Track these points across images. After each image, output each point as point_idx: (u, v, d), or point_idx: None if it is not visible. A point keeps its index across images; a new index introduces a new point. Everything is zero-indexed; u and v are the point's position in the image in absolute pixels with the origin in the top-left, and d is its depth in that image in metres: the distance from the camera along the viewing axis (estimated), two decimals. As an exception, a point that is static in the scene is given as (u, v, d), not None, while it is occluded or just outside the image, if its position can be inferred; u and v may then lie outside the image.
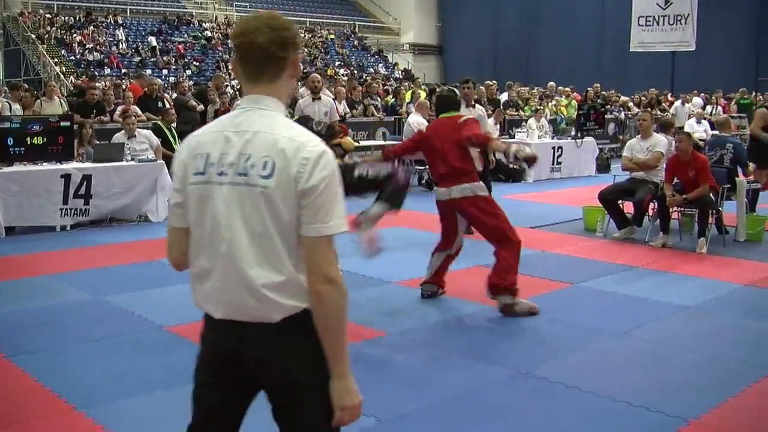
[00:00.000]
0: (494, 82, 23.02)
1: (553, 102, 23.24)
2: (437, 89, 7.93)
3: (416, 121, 15.82)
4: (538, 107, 20.61)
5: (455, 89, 8.30)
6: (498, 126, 18.85)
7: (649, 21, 32.44)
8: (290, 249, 2.70)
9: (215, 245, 2.74)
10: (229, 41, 40.37)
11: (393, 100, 21.05)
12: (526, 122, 19.45)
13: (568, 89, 24.29)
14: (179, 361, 6.14)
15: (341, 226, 2.69)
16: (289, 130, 2.73)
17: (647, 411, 5.30)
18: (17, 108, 15.01)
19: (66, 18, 37.46)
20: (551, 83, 24.23)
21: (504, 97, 22.17)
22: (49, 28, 35.72)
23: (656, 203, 10.97)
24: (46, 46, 34.17)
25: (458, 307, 7.73)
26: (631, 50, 33.61)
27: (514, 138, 18.47)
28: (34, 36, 34.50)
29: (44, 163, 11.83)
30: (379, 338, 6.76)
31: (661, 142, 11.29)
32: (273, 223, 2.67)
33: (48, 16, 36.97)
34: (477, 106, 11.78)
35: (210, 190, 2.74)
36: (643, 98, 26.20)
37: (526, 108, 21.80)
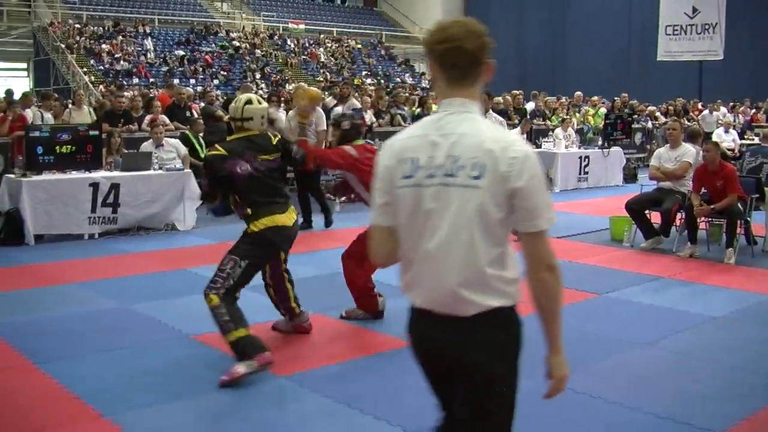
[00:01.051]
0: (520, 91, 22.97)
1: (581, 111, 23.16)
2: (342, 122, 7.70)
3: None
4: (565, 117, 20.55)
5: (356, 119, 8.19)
6: (525, 136, 18.82)
7: (677, 30, 32.28)
8: (490, 247, 2.87)
9: (423, 242, 2.91)
10: (257, 51, 40.56)
11: (419, 109, 21.02)
12: (552, 132, 19.40)
13: (595, 98, 24.18)
14: (205, 369, 6.18)
15: (554, 218, 2.90)
16: (494, 132, 2.90)
17: (674, 423, 5.27)
18: (49, 117, 15.11)
19: (95, 28, 37.74)
20: (578, 93, 24.13)
21: (530, 106, 22.12)
22: (78, 38, 36.00)
23: (683, 213, 10.92)
24: (75, 55, 34.43)
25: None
26: (658, 59, 33.44)
27: (540, 147, 18.44)
28: (63, 46, 34.78)
29: (73, 172, 11.90)
30: (404, 348, 6.72)
31: (689, 151, 11.21)
32: (480, 220, 2.84)
33: (77, 26, 37.26)
34: (492, 115, 11.74)
35: (420, 192, 2.89)
36: (670, 107, 26.06)
37: (552, 118, 21.74)
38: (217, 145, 6.62)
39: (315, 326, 7.38)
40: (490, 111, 11.88)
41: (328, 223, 12.61)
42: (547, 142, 18.79)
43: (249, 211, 6.51)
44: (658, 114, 25.33)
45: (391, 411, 5.39)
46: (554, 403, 5.58)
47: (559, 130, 19.01)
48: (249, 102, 6.67)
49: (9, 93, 16.37)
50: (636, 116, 23.40)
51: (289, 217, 6.63)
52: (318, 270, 9.57)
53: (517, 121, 20.19)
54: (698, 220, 10.73)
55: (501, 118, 11.97)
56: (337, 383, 5.92)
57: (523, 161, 2.81)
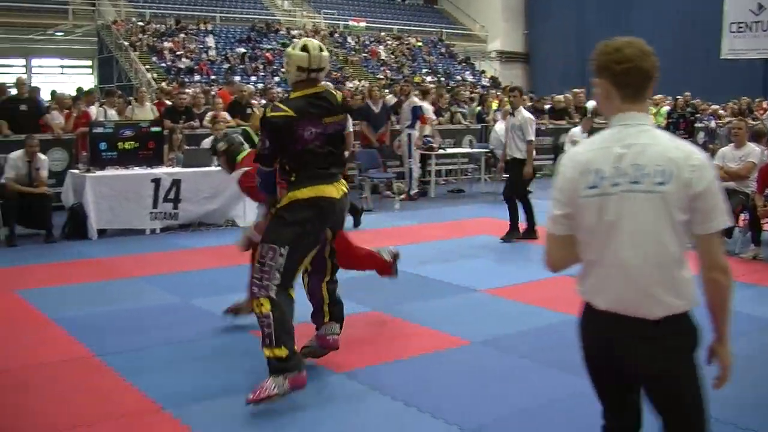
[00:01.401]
0: (582, 89, 22.80)
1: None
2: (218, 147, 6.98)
3: (502, 128, 15.76)
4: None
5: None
6: (586, 134, 18.67)
7: (742, 27, 31.83)
8: (675, 249, 3.06)
9: (609, 246, 3.09)
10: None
11: (479, 108, 20.96)
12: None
13: (657, 97, 23.88)
14: (265, 364, 6.20)
15: (727, 220, 3.09)
16: (673, 142, 3.10)
17: (736, 428, 5.19)
18: (113, 114, 15.25)
19: (157, 26, 38.08)
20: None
21: (592, 104, 21.93)
22: (141, 36, 36.34)
23: (747, 214, 10.75)
24: (138, 53, 34.77)
25: (544, 316, 7.64)
26: (722, 57, 32.94)
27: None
28: (126, 44, 35.13)
29: (135, 168, 12.05)
30: (464, 347, 6.73)
31: (754, 151, 11.01)
32: (666, 223, 3.03)
33: (140, 24, 37.62)
34: (522, 112, 11.64)
35: (606, 201, 3.07)
36: (734, 106, 25.65)
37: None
38: (280, 104, 5.73)
39: (373, 323, 7.40)
40: (520, 107, 11.77)
41: (356, 223, 12.50)
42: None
43: (293, 177, 5.66)
44: (721, 112, 24.94)
45: (448, 409, 5.38)
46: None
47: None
48: (321, 49, 5.79)
49: (80, 91, 16.65)
50: (698, 115, 23.11)
51: (338, 189, 5.78)
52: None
53: (577, 119, 20.07)
54: (762, 221, 10.57)
55: (530, 115, 11.84)
56: (395, 380, 5.92)
57: (702, 168, 3.02)
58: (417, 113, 16.09)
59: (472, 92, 27.53)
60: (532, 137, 11.64)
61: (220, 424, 5.20)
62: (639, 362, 3.15)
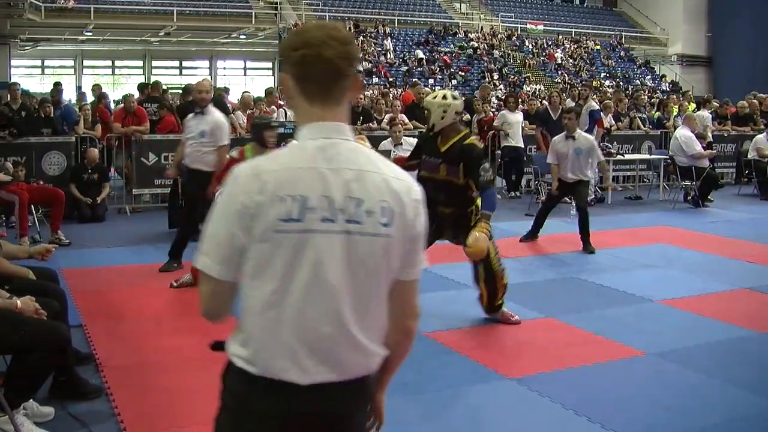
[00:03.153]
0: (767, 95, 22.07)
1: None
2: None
3: (683, 134, 15.43)
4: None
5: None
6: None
7: None
8: (386, 298, 2.49)
9: (309, 302, 2.36)
10: (495, 51, 40.69)
11: (659, 113, 20.52)
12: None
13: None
14: (436, 367, 6.27)
15: (425, 260, 2.59)
16: (389, 168, 2.48)
17: None
18: (292, 115, 15.66)
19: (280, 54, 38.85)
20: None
21: (778, 110, 21.15)
22: (322, 39, 37.11)
23: None
24: (318, 55, 35.50)
25: (723, 330, 7.43)
26: None
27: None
28: (307, 46, 35.95)
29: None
30: (638, 357, 6.62)
31: None
32: (385, 273, 2.44)
33: (321, 27, 38.41)
34: (578, 135, 11.32)
35: (309, 240, 2.35)
36: None
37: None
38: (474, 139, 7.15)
39: (545, 330, 7.37)
40: (578, 130, 11.54)
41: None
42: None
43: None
44: None
45: (619, 420, 5.31)
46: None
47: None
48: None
49: (267, 90, 17.29)
50: None
51: None
52: (552, 273, 9.53)
53: (762, 126, 19.42)
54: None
55: (592, 137, 11.69)
56: (566, 389, 5.87)
57: (422, 204, 2.50)
58: (595, 117, 15.89)
59: (651, 97, 27.01)
60: (602, 158, 11.71)
61: (390, 421, 5.26)
62: (344, 424, 2.50)
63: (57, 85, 16.67)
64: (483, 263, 7.26)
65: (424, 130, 14.50)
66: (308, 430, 2.44)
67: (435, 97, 7.31)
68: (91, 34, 38.76)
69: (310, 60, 2.38)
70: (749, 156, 17.89)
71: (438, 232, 7.03)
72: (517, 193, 16.84)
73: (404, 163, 7.46)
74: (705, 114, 19.40)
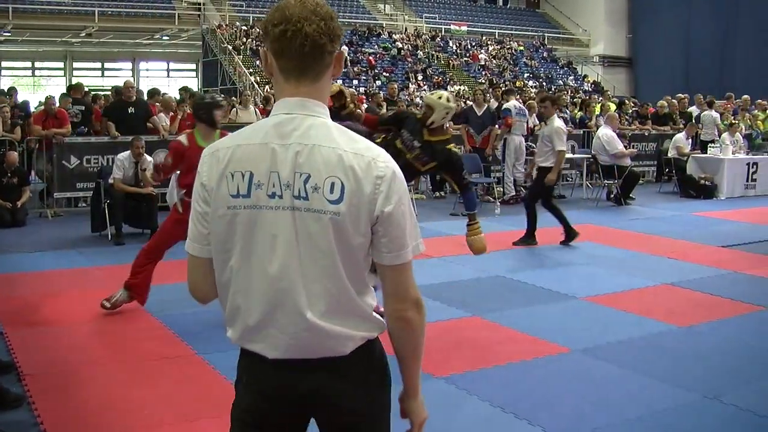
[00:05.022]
0: (686, 95, 22.47)
1: (748, 116, 22.37)
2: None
3: (606, 134, 15.65)
4: (733, 121, 19.92)
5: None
6: (690, 141, 18.39)
7: None
8: (353, 278, 2.43)
9: (267, 278, 2.39)
10: (419, 52, 40.83)
11: (581, 113, 20.78)
12: (719, 137, 18.83)
13: (765, 102, 23.29)
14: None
15: (421, 245, 2.49)
16: (353, 143, 2.38)
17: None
18: (216, 116, 15.57)
19: (261, 30, 38.64)
20: (746, 96, 23.25)
21: (696, 110, 21.54)
22: (244, 40, 36.93)
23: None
24: (241, 56, 35.33)
25: (644, 325, 7.55)
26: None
27: (706, 153, 17.98)
28: (230, 47, 35.75)
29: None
30: (562, 354, 6.69)
31: None
32: (340, 252, 2.37)
33: (244, 28, 38.25)
34: (555, 121, 11.56)
35: (258, 216, 2.37)
36: None
37: (720, 122, 21.15)
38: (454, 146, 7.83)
39: (472, 328, 7.40)
40: (553, 117, 11.72)
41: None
42: (713, 147, 18.23)
43: None
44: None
45: (546, 417, 5.36)
46: (714, 419, 5.46)
47: (726, 135, 18.41)
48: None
49: (183, 92, 17.06)
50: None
51: None
52: (477, 272, 9.59)
53: (681, 125, 19.78)
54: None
55: (561, 124, 11.85)
56: (494, 386, 5.91)
57: (390, 181, 2.36)
58: (503, 115, 16.02)
59: (573, 97, 27.33)
60: (563, 147, 11.61)
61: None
62: (325, 405, 2.52)
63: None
64: None
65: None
66: (287, 405, 2.50)
67: (440, 98, 7.68)
68: (9, 34, 38.04)
69: (291, 35, 2.34)
70: (669, 155, 18.24)
71: None
72: (442, 194, 16.92)
73: (375, 122, 7.90)
74: (714, 114, 19.88)
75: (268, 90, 26.74)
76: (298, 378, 2.46)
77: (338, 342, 2.45)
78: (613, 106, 21.01)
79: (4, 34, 37.92)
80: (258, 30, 38.09)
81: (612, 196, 16.06)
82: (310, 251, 2.36)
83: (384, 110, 17.04)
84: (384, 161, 2.38)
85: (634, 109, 21.97)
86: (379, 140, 7.59)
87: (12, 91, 17.52)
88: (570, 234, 11.51)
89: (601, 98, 24.99)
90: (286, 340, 2.41)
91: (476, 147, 16.03)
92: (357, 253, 2.40)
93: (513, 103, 16.24)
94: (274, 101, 2.50)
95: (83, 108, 15.04)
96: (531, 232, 11.57)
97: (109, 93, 17.56)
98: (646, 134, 20.24)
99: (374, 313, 2.54)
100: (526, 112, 16.56)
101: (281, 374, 2.46)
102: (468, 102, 18.14)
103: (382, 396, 2.63)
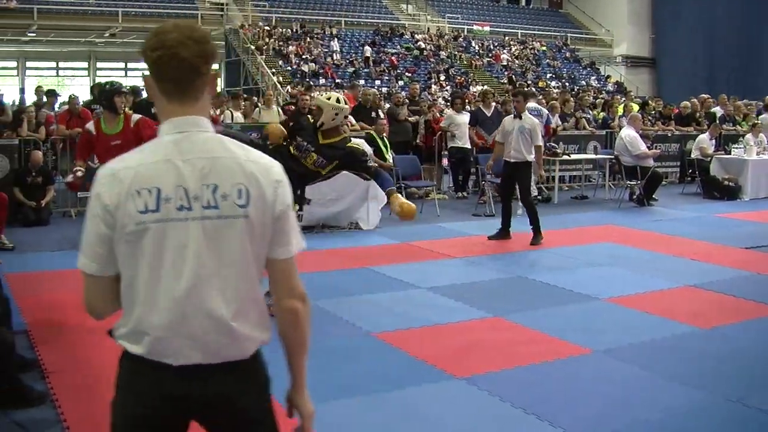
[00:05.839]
0: (708, 96, 22.38)
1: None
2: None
3: (628, 134, 15.59)
4: (756, 122, 19.80)
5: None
6: (714, 141, 18.28)
7: None
8: (258, 279, 2.63)
9: (178, 288, 2.50)
10: (442, 52, 40.82)
11: (604, 113, 20.71)
12: (743, 138, 18.71)
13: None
14: (383, 367, 6.28)
15: (303, 241, 2.70)
16: (245, 152, 2.60)
17: None
18: (238, 116, 15.64)
19: (283, 30, 38.79)
20: (771, 96, 23.12)
21: (719, 111, 21.44)
22: (267, 40, 37.07)
23: None
24: (264, 57, 35.45)
25: (667, 327, 7.51)
26: None
27: (729, 154, 17.88)
28: (253, 47, 35.86)
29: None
30: (584, 356, 6.67)
31: None
32: (251, 253, 2.57)
33: (266, 28, 38.39)
34: (525, 116, 11.58)
35: (168, 229, 2.49)
36: None
37: (743, 123, 21.05)
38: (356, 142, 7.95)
39: (493, 329, 7.39)
40: (526, 112, 11.75)
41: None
42: (737, 148, 18.11)
43: None
44: None
45: (568, 418, 5.34)
46: (738, 423, 5.42)
47: (749, 136, 18.29)
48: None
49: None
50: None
51: None
52: (499, 273, 9.59)
53: (705, 126, 19.68)
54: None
55: (536, 120, 11.97)
56: (515, 387, 5.90)
57: (283, 183, 2.61)
58: (546, 123, 16.04)
59: (596, 97, 27.24)
60: (541, 142, 11.75)
61: (334, 424, 5.26)
62: (223, 409, 2.61)
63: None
64: None
65: (371, 131, 14.65)
66: (187, 412, 2.61)
67: (329, 99, 7.84)
68: (34, 35, 38.29)
69: (167, 60, 2.48)
70: (692, 155, 18.14)
71: None
72: (464, 194, 16.90)
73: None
74: None
75: (290, 89, 26.83)
76: (203, 383, 2.55)
77: (244, 345, 2.60)
78: (636, 107, 20.94)
79: (29, 34, 38.16)
80: (281, 30, 38.28)
81: (635, 197, 15.99)
82: (222, 257, 2.51)
83: (405, 110, 17.05)
84: (278, 167, 2.63)
85: (657, 109, 21.84)
86: (272, 147, 7.80)
87: (39, 90, 17.58)
88: (537, 237, 11.58)
89: (624, 99, 24.92)
90: (195, 346, 2.52)
91: (487, 147, 15.98)
92: (262, 253, 2.60)
93: (530, 105, 16.22)
94: (162, 121, 2.61)
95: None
96: (506, 226, 11.73)
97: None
98: (669, 135, 20.12)
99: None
100: (544, 112, 16.57)
101: (186, 380, 2.54)
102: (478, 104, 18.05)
103: (269, 395, 2.76)
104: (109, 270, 2.57)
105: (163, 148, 2.53)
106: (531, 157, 11.52)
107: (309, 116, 8.18)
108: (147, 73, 2.58)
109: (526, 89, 19.06)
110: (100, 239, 2.54)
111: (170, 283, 2.49)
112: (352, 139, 8.19)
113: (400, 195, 7.57)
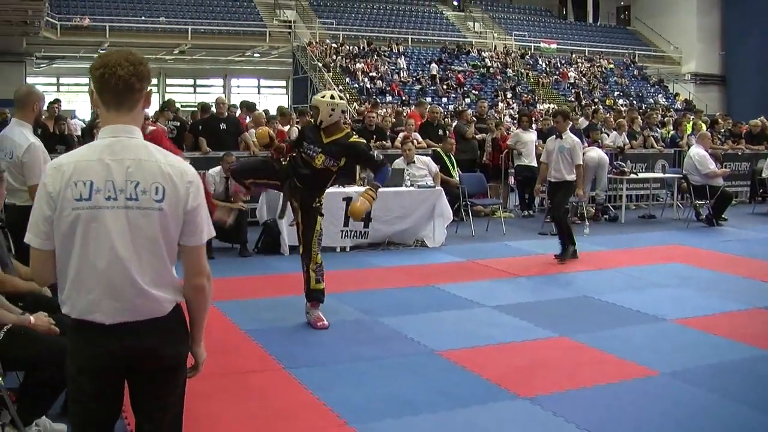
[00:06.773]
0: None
1: None
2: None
3: (698, 153, 15.40)
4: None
5: None
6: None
7: None
8: (171, 258, 3.26)
9: (104, 261, 3.14)
10: (508, 70, 40.73)
11: (673, 131, 20.48)
12: None
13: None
14: (448, 385, 6.25)
15: (212, 231, 3.41)
16: (166, 157, 3.24)
17: None
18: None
19: (350, 47, 39.01)
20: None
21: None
22: (334, 57, 37.32)
23: None
24: (331, 74, 35.67)
25: (736, 349, 7.38)
26: None
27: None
28: (320, 64, 36.11)
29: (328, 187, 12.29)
30: (651, 377, 6.58)
31: None
32: (163, 237, 3.19)
33: (334, 45, 38.65)
34: (566, 135, 11.44)
35: (97, 214, 3.12)
36: None
37: None
38: (357, 137, 8.12)
39: (559, 349, 7.34)
40: (567, 131, 11.59)
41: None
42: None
43: None
44: None
45: (635, 440, 5.28)
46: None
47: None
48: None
49: (279, 109, 17.34)
50: None
51: None
52: (565, 292, 9.53)
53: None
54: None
55: (578, 139, 11.79)
56: (580, 408, 5.84)
57: (196, 184, 3.26)
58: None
59: (665, 115, 26.96)
60: (580, 161, 11.59)
61: (404, 442, 5.25)
62: (151, 356, 3.25)
63: (53, 103, 16.38)
64: (304, 239, 8.06)
65: (438, 149, 14.64)
66: (119, 363, 3.22)
67: (323, 96, 7.92)
68: (105, 52, 38.88)
69: (107, 77, 3.16)
70: (763, 175, 17.87)
71: (291, 195, 8.17)
72: (530, 212, 16.82)
73: (290, 148, 8.28)
74: None
75: (356, 106, 26.92)
76: (134, 337, 3.19)
77: (161, 305, 3.24)
78: (705, 125, 20.69)
79: (101, 51, 38.78)
80: (348, 47, 38.48)
81: (703, 216, 15.77)
82: (140, 238, 3.15)
83: (472, 128, 17.02)
84: (191, 170, 3.28)
85: (726, 127, 21.55)
86: (285, 163, 8.06)
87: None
88: (566, 253, 11.47)
89: (693, 117, 24.64)
90: (121, 307, 3.16)
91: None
92: (174, 238, 3.24)
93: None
94: (99, 128, 3.36)
95: (178, 124, 15.37)
96: (569, 244, 11.53)
97: (195, 109, 17.83)
98: (740, 153, 19.85)
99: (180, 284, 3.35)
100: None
101: (119, 336, 3.17)
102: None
103: (187, 343, 3.44)
104: (50, 245, 3.18)
105: (98, 148, 3.19)
106: (571, 177, 11.44)
107: (311, 119, 8.57)
108: (93, 86, 3.25)
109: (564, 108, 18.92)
110: (44, 219, 3.16)
111: (99, 258, 3.12)
112: (353, 134, 8.26)
113: (373, 194, 7.93)
